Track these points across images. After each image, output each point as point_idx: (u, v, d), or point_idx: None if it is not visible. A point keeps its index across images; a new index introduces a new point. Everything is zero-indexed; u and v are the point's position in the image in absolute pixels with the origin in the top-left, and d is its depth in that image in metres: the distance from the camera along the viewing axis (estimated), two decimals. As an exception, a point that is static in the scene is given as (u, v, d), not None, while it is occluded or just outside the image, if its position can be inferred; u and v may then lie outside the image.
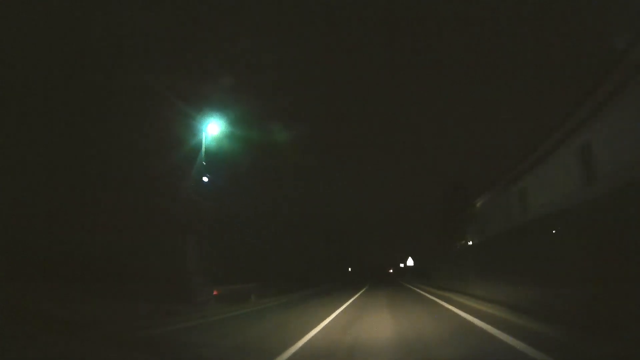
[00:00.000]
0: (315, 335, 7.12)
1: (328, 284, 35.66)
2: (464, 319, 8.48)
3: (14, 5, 12.54)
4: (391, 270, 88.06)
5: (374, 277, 60.60)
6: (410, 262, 63.84)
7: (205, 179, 15.68)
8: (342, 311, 11.49)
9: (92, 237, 13.93)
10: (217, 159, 17.60)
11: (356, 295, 19.23)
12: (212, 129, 17.09)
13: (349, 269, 68.44)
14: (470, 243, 24.83)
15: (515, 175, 18.47)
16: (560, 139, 13.92)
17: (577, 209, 7.76)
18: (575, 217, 7.37)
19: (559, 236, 8.00)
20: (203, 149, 16.57)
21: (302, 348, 5.89)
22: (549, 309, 7.42)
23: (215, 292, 13.47)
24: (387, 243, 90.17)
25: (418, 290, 21.60)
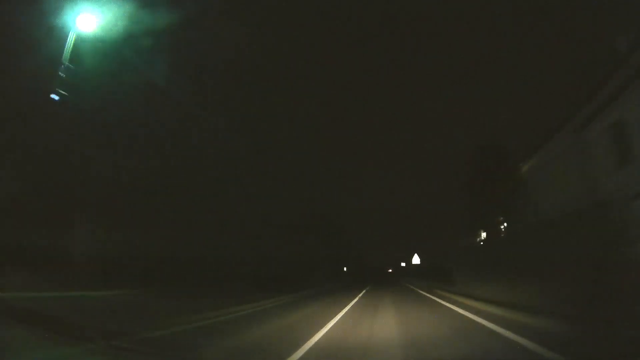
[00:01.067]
0: None
1: (315, 289, 28.53)
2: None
3: None
4: (390, 270, 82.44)
5: (373, 279, 53.70)
6: (416, 259, 56.43)
7: (54, 96, 8.74)
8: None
9: None
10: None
11: (342, 313, 11.81)
12: (86, 23, 10.01)
13: (344, 269, 61.48)
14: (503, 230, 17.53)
15: (598, 106, 11.31)
16: None
17: None
18: None
19: None
20: (68, 51, 9.58)
21: None
22: None
23: None
24: (386, 242, 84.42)
25: (441, 301, 14.11)
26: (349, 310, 11.73)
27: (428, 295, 17.34)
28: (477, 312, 9.42)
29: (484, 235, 20.88)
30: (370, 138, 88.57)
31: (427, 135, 78.05)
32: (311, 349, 5.95)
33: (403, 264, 71.55)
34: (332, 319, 9.40)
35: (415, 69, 61.94)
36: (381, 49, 61.01)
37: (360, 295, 19.45)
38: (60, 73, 9.26)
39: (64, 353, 5.42)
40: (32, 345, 5.41)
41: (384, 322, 8.76)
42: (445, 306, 11.85)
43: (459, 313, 9.79)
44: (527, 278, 10.20)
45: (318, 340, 6.57)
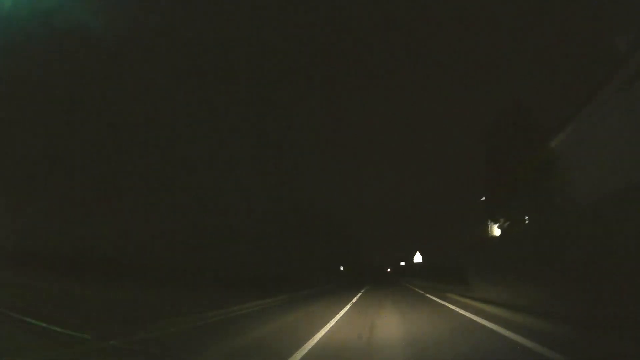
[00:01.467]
0: None
1: (315, 289, 28.49)
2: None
3: None
4: (389, 270, 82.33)
5: (372, 278, 53.55)
6: (417, 258, 55.89)
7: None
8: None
9: None
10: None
11: (342, 312, 11.76)
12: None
13: (341, 268, 61.34)
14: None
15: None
16: None
17: None
18: None
19: None
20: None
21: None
22: None
23: None
24: (386, 241, 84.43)
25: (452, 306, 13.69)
26: (349, 310, 11.74)
27: (432, 297, 16.53)
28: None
29: (499, 230, 19.07)
30: (370, 135, 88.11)
31: (428, 130, 77.74)
32: (312, 348, 5.95)
33: (402, 263, 71.44)
34: (332, 318, 9.43)
35: (414, 59, 61.13)
36: (381, 43, 60.34)
37: (360, 295, 19.48)
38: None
39: (63, 353, 5.41)
40: (32, 345, 5.38)
41: (384, 323, 8.76)
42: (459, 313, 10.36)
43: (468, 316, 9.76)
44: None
45: (319, 340, 6.57)
